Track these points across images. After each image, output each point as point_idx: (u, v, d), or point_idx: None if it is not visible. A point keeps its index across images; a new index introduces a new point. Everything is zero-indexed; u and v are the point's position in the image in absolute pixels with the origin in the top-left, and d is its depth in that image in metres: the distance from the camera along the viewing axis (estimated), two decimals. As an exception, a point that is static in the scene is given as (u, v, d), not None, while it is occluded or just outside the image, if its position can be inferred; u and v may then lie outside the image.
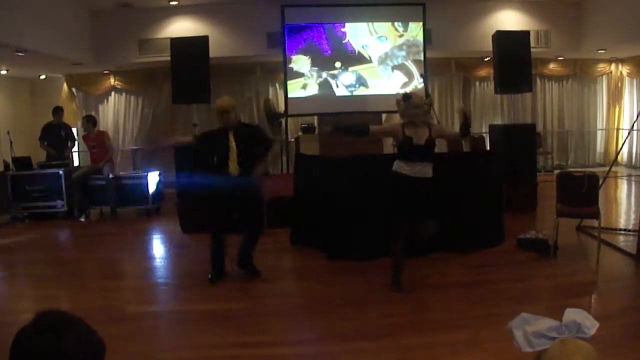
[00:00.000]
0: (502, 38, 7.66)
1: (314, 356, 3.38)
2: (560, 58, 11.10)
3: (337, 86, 8.91)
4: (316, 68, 8.85)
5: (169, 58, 7.23)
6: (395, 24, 8.99)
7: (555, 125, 11.64)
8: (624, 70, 11.51)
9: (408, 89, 8.68)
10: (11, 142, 8.56)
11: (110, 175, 7.94)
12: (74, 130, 9.42)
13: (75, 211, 7.95)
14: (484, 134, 10.19)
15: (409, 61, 9.04)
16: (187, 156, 6.87)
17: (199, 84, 6.94)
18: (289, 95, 8.82)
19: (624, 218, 6.83)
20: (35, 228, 7.57)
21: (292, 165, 7.97)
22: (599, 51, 10.23)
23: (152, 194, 8.01)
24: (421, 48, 9.00)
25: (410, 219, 4.19)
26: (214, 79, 7.51)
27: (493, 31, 8.00)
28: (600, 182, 5.21)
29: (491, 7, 9.79)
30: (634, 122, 7.56)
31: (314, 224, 5.61)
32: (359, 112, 8.37)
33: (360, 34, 8.93)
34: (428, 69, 9.11)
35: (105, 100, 10.87)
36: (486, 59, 10.28)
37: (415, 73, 9.01)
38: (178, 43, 7.19)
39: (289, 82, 8.79)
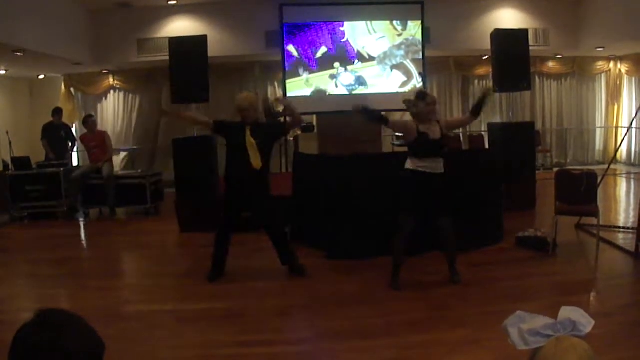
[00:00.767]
0: (501, 36, 7.65)
1: (313, 354, 3.39)
2: (559, 56, 11.10)
3: (337, 85, 8.90)
4: (315, 67, 8.84)
5: (167, 58, 7.23)
6: (394, 22, 8.97)
7: (554, 123, 11.64)
8: (623, 68, 11.51)
9: (407, 88, 8.68)
10: (10, 142, 8.57)
11: (110, 175, 7.94)
12: (73, 130, 9.42)
13: (74, 211, 7.96)
14: (482, 132, 10.20)
15: (408, 60, 9.03)
16: (187, 156, 6.92)
17: (198, 84, 6.93)
18: (288, 94, 8.80)
19: (622, 216, 6.82)
20: (34, 228, 7.58)
21: (291, 164, 7.96)
22: (598, 49, 10.22)
23: (151, 193, 8.01)
24: (420, 47, 8.97)
25: (421, 217, 4.20)
26: (212, 78, 7.51)
27: (492, 29, 7.98)
28: (599, 180, 5.22)
29: (490, 5, 9.78)
30: (633, 120, 7.53)
31: (312, 223, 5.61)
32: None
33: (358, 33, 8.93)
34: (427, 67, 9.10)
35: (104, 100, 10.87)
36: (485, 58, 10.28)
37: (414, 72, 9.00)
38: (177, 42, 7.17)
39: (287, 81, 8.79)
